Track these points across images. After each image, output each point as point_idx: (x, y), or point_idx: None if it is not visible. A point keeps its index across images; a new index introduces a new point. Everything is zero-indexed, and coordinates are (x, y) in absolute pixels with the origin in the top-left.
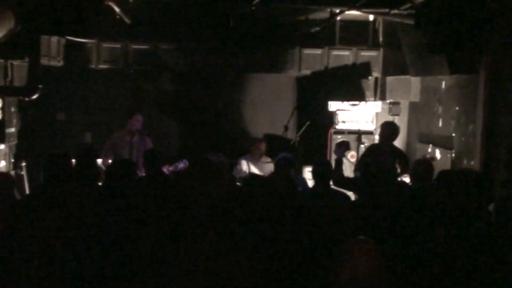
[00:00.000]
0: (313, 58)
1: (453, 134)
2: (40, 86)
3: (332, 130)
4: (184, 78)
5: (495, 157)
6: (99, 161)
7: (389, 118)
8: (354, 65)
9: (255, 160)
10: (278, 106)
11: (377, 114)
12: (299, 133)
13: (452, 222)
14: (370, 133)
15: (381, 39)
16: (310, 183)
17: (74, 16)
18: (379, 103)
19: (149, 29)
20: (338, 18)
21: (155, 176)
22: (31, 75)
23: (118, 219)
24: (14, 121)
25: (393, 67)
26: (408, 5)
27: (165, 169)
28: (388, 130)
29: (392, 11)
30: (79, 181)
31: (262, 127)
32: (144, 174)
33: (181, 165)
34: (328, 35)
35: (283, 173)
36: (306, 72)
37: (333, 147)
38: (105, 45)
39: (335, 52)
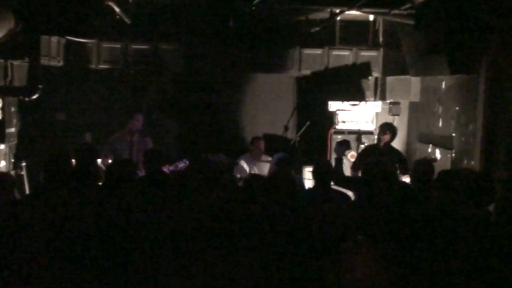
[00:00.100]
0: (313, 58)
1: (453, 134)
2: (40, 86)
3: (332, 130)
4: (184, 78)
5: (495, 157)
6: (99, 161)
7: (389, 118)
8: (354, 65)
9: (254, 160)
10: (278, 106)
11: (377, 114)
12: (299, 133)
13: (452, 222)
14: (370, 133)
15: (381, 39)
16: (310, 183)
17: (74, 16)
18: (379, 103)
19: (149, 29)
20: (338, 18)
21: (155, 176)
22: (31, 75)
23: (118, 219)
24: (14, 121)
25: (393, 67)
26: (408, 5)
27: (166, 169)
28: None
29: (392, 11)
30: (79, 181)
31: (262, 127)
32: (144, 174)
33: (182, 164)
34: (328, 35)
35: (284, 173)
36: (306, 72)
37: (334, 146)
38: (105, 45)
39: (335, 52)
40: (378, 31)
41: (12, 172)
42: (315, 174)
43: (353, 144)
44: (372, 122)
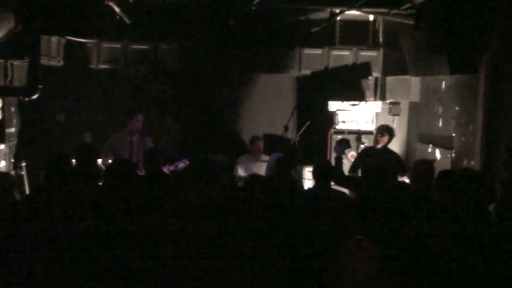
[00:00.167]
0: (313, 58)
1: (453, 134)
2: (40, 86)
3: (332, 130)
4: (184, 78)
5: (495, 157)
6: (99, 161)
7: (389, 118)
8: (354, 65)
9: (254, 159)
10: (278, 106)
11: (377, 114)
12: (299, 133)
13: (452, 222)
14: (370, 133)
15: (381, 39)
16: (310, 183)
17: (74, 16)
18: (379, 103)
19: (149, 29)
20: (338, 18)
21: (155, 176)
22: (31, 75)
23: (118, 219)
24: (14, 121)
25: (393, 67)
26: (408, 5)
27: (165, 169)
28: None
29: (392, 11)
30: (79, 181)
31: (262, 127)
32: (144, 174)
33: (181, 164)
34: (328, 35)
35: (284, 173)
36: (306, 72)
37: (334, 145)
38: (105, 45)
39: (335, 52)
40: (378, 31)
41: (12, 172)
42: (315, 174)
43: (353, 144)
44: (372, 122)
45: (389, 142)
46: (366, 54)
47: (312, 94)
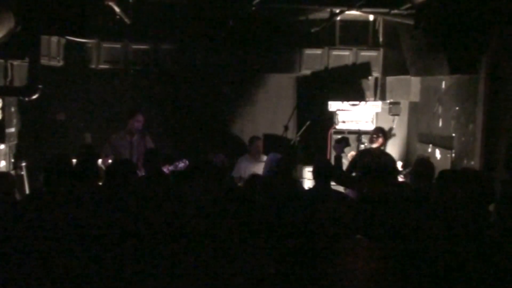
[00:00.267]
0: (313, 58)
1: (453, 134)
2: (40, 86)
3: (332, 130)
4: (183, 78)
5: (495, 157)
6: (99, 161)
7: (389, 118)
8: (354, 65)
9: (254, 160)
10: (278, 106)
11: (377, 114)
12: (299, 133)
13: (452, 222)
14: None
15: (381, 39)
16: (310, 183)
17: (74, 16)
18: (379, 103)
19: (149, 29)
20: (338, 18)
21: (155, 176)
22: (31, 75)
23: (118, 219)
24: (14, 121)
25: (393, 67)
26: (408, 5)
27: (165, 169)
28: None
29: (392, 11)
30: (79, 181)
31: (262, 127)
32: (144, 174)
33: (181, 164)
34: (328, 35)
35: (284, 173)
36: (306, 72)
37: (333, 145)
38: (105, 45)
39: (335, 52)
40: (378, 31)
41: (12, 172)
42: (315, 174)
43: (353, 144)
44: (372, 122)
45: (383, 143)
46: (366, 54)
47: (312, 94)
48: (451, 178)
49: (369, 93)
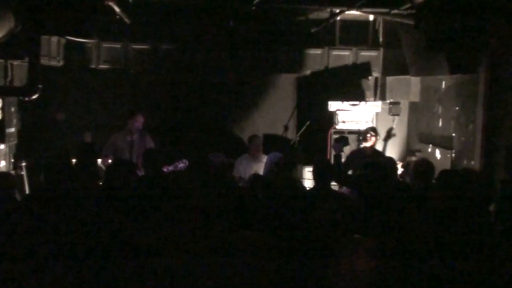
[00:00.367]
0: (313, 58)
1: (453, 134)
2: (40, 86)
3: (332, 130)
4: (184, 78)
5: (495, 157)
6: (99, 161)
7: (389, 118)
8: (354, 65)
9: (253, 159)
10: (278, 106)
11: (377, 114)
12: (299, 133)
13: (453, 222)
14: None
15: (381, 39)
16: (310, 183)
17: (74, 16)
18: (379, 103)
19: (149, 29)
20: (338, 18)
21: (155, 176)
22: (31, 75)
23: (118, 219)
24: (14, 121)
25: (393, 67)
26: (408, 5)
27: (165, 169)
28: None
29: (392, 11)
30: (79, 181)
31: (262, 127)
32: (144, 174)
33: (181, 164)
34: (328, 35)
35: (285, 173)
36: (306, 72)
37: (332, 144)
38: (105, 45)
39: (335, 52)
40: (378, 31)
41: (12, 172)
42: (315, 174)
43: (352, 144)
44: (372, 122)
45: (375, 143)
46: (366, 54)
47: (312, 94)
48: (451, 178)
49: (369, 93)
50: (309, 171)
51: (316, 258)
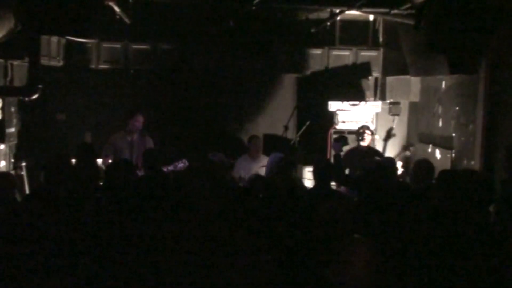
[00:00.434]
0: (313, 58)
1: (453, 134)
2: (40, 86)
3: (332, 130)
4: (184, 78)
5: (495, 157)
6: (99, 161)
7: (389, 118)
8: (354, 65)
9: (253, 159)
10: (278, 106)
11: (377, 114)
12: (299, 133)
13: (452, 222)
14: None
15: (381, 39)
16: (310, 183)
17: (74, 16)
18: (379, 103)
19: (149, 29)
20: (338, 18)
21: (154, 176)
22: (31, 75)
23: (118, 219)
24: (14, 121)
25: (393, 67)
26: (408, 5)
27: (165, 169)
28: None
29: (392, 11)
30: (79, 181)
31: (262, 127)
32: (143, 174)
33: (181, 164)
34: (328, 35)
35: (285, 173)
36: (306, 72)
37: (332, 143)
38: (105, 45)
39: (335, 52)
40: (378, 31)
41: (12, 172)
42: (315, 174)
43: (352, 144)
44: (372, 122)
45: (372, 142)
46: (366, 54)
47: (312, 94)
48: (451, 178)
49: (369, 93)
50: (309, 171)
51: (316, 258)
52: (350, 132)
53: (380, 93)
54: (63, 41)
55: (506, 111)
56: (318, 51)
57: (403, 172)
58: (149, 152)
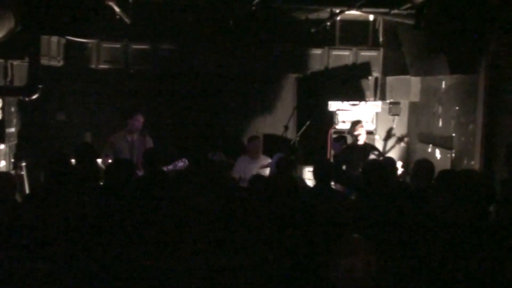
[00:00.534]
0: (313, 58)
1: (453, 134)
2: (40, 86)
3: (332, 130)
4: (183, 78)
5: (495, 157)
6: (99, 161)
7: (389, 118)
8: (354, 65)
9: (253, 160)
10: (278, 106)
11: (377, 114)
12: (299, 133)
13: (452, 222)
14: (370, 133)
15: (381, 39)
16: (311, 183)
17: (74, 16)
18: (379, 103)
19: (149, 29)
20: (338, 18)
21: (154, 176)
22: (31, 75)
23: (118, 219)
24: (14, 121)
25: (393, 67)
26: (408, 5)
27: (165, 169)
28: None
29: (392, 11)
30: (79, 181)
31: (262, 127)
32: (143, 174)
33: (181, 164)
34: (328, 35)
35: (285, 174)
36: (306, 72)
37: (332, 143)
38: (105, 45)
39: (335, 52)
40: (378, 31)
41: (12, 172)
42: (315, 174)
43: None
44: (372, 122)
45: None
46: (366, 54)
47: (312, 94)
48: (450, 178)
49: (369, 93)
50: (309, 171)
51: (316, 258)
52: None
53: (380, 93)
54: (63, 41)
55: (506, 111)
56: (318, 51)
57: (403, 172)
58: (149, 152)
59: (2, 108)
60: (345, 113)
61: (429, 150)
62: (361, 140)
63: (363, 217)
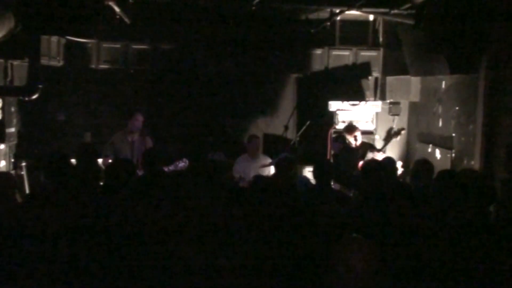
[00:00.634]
0: (313, 58)
1: (453, 134)
2: (40, 86)
3: (332, 130)
4: (184, 78)
5: (495, 157)
6: (99, 161)
7: (389, 118)
8: (354, 65)
9: (252, 159)
10: (278, 106)
11: (377, 114)
12: (299, 133)
13: (452, 222)
14: (370, 133)
15: (381, 39)
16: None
17: (74, 16)
18: (379, 103)
19: (149, 29)
20: (338, 18)
21: (154, 176)
22: (31, 75)
23: (118, 219)
24: (14, 121)
25: (393, 67)
26: (408, 5)
27: (165, 169)
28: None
29: (392, 11)
30: (79, 181)
31: (262, 127)
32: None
33: (181, 164)
34: (328, 35)
35: (284, 174)
36: (306, 72)
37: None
38: (105, 45)
39: (335, 52)
40: (378, 31)
41: (12, 172)
42: (315, 174)
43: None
44: (372, 122)
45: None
46: (366, 54)
47: (312, 94)
48: (449, 178)
49: (369, 93)
50: (309, 171)
51: (316, 258)
52: None
53: (380, 93)
54: (63, 41)
55: (506, 111)
56: (318, 51)
57: (403, 172)
58: (149, 152)
59: (2, 108)
60: (345, 113)
61: (429, 150)
62: (359, 141)
63: (363, 217)
